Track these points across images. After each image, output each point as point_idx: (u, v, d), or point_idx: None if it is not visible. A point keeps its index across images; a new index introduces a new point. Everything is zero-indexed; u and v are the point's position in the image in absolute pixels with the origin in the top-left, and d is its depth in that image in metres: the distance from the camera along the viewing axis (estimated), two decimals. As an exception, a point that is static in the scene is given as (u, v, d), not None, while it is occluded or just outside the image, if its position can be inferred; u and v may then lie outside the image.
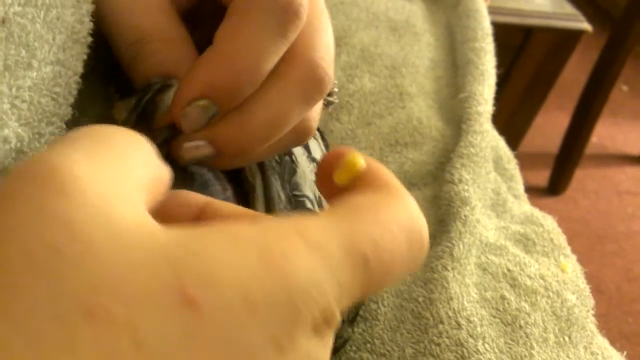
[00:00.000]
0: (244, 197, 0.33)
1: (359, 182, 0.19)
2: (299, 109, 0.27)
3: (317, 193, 0.35)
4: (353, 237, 0.17)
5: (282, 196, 0.33)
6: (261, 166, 0.34)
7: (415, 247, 0.18)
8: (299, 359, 0.16)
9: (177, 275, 0.14)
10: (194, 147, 0.27)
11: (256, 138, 0.27)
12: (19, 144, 0.22)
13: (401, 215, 0.18)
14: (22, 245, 0.14)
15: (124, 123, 0.28)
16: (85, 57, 0.25)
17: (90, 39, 0.26)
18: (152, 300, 0.14)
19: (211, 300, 0.14)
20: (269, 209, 0.32)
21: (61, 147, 0.16)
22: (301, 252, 0.16)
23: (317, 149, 0.38)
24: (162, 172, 0.18)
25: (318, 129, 0.37)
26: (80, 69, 0.25)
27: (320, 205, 0.35)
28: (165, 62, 0.27)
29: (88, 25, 0.25)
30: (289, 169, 0.35)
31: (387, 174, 0.20)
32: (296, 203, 0.34)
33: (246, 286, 0.15)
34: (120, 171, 0.16)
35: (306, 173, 0.36)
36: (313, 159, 0.37)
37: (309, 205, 0.34)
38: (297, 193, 0.34)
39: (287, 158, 0.35)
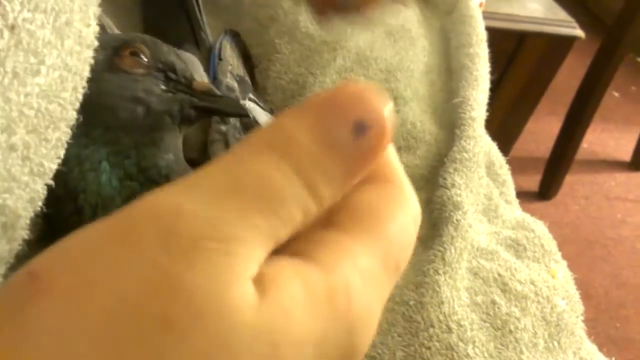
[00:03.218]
0: None
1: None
2: None
3: None
4: (388, 251, 0.18)
5: None
6: (224, 135, 0.36)
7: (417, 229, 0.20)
8: None
9: (274, 344, 0.15)
10: None
11: None
12: (25, 151, 0.22)
13: (412, 209, 0.19)
14: (136, 314, 0.14)
15: None
16: (91, 60, 0.25)
17: (96, 43, 0.26)
18: None
19: None
20: None
21: (200, 203, 0.15)
22: (360, 289, 0.16)
23: None
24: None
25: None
26: (86, 73, 0.25)
27: None
28: None
29: (94, 28, 0.25)
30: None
31: (389, 162, 0.20)
32: None
33: (321, 341, 0.16)
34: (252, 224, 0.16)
35: None
36: None
37: None
38: None
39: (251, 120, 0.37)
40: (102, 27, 0.39)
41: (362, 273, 0.17)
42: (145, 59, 0.30)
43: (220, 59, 0.42)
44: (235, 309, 0.14)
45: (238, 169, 0.16)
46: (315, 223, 0.18)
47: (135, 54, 0.30)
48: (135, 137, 0.29)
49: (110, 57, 0.29)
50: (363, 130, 0.17)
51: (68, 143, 0.27)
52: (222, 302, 0.14)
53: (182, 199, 0.15)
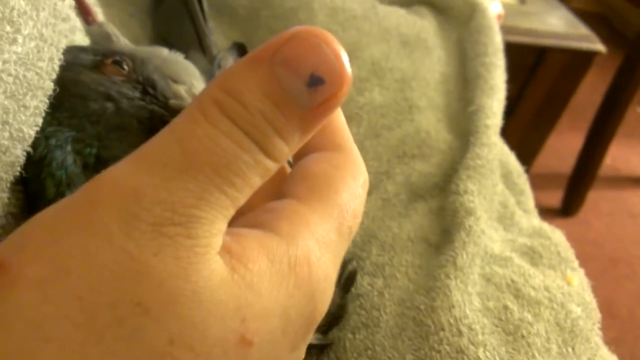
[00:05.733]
0: None
1: (315, 142, 0.20)
2: None
3: None
4: (342, 219, 0.18)
5: None
6: None
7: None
8: (302, 353, 0.18)
9: (242, 319, 0.15)
10: None
11: None
12: (4, 116, 0.23)
13: (362, 176, 0.20)
14: (111, 301, 0.14)
15: None
16: (67, 33, 0.26)
17: (72, 16, 0.26)
18: (217, 346, 0.15)
19: (261, 335, 0.16)
20: None
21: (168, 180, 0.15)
22: (319, 257, 0.17)
23: None
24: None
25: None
26: (62, 44, 0.26)
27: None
28: None
29: (69, 2, 0.26)
30: None
31: (338, 129, 0.20)
32: None
33: (285, 309, 0.16)
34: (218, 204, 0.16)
35: None
36: None
37: None
38: None
39: None
40: (109, 35, 0.40)
41: (319, 241, 0.17)
42: (126, 70, 0.31)
43: (219, 68, 0.43)
44: (204, 290, 0.15)
45: (191, 140, 0.16)
46: (274, 190, 0.18)
47: (117, 63, 0.31)
48: (100, 129, 0.30)
49: (96, 61, 0.30)
50: (318, 83, 0.16)
51: None
52: (192, 285, 0.15)
53: (140, 179, 0.15)
